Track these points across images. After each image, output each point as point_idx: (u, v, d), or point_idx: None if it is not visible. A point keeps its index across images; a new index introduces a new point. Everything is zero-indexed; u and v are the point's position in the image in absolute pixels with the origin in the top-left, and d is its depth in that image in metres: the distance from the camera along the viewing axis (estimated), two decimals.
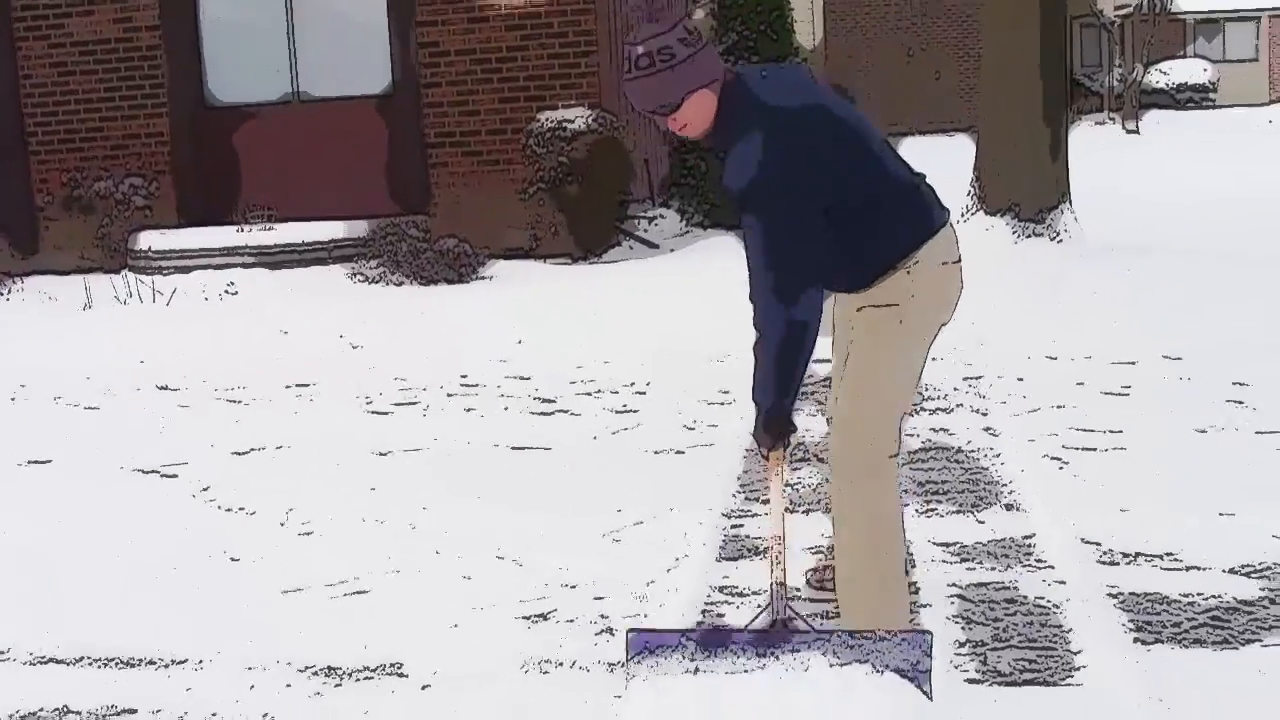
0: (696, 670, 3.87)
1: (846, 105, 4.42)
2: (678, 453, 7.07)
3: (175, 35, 14.91)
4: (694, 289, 10.97)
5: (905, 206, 4.39)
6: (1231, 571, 5.04)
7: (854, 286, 4.41)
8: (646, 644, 3.96)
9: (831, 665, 3.79)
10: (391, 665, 4.61)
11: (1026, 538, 5.53)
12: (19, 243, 15.22)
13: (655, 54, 4.23)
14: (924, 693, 3.75)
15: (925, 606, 4.84)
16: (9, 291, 14.04)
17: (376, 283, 13.08)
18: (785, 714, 3.69)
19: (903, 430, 4.60)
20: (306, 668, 4.63)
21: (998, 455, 6.73)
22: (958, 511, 5.90)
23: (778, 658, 3.83)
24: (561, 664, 4.54)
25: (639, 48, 4.25)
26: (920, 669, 3.77)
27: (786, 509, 4.33)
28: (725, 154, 4.29)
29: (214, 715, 4.33)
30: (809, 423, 7.47)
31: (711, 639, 3.96)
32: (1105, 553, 5.30)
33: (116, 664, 4.78)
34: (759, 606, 4.25)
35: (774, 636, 3.94)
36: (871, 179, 4.32)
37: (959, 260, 4.52)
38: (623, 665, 4.08)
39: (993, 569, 5.19)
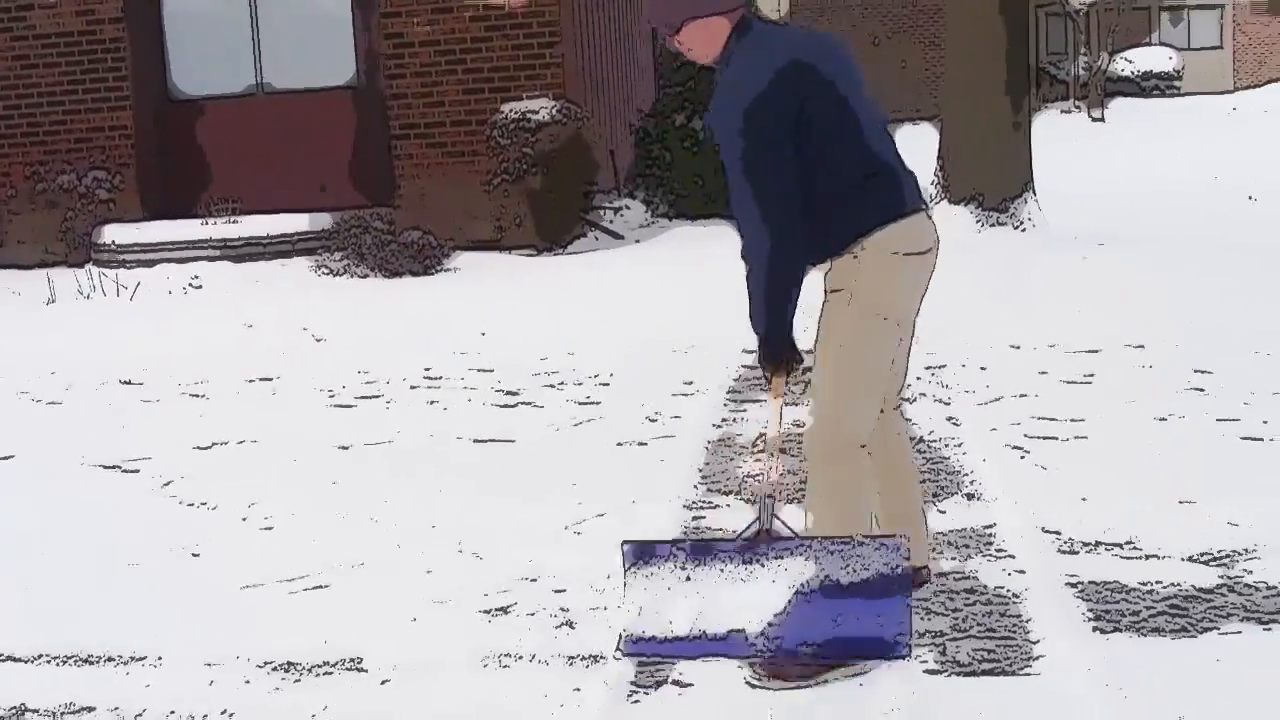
0: (688, 578, 4.25)
1: (854, 79, 4.52)
2: (640, 444, 7.06)
3: (139, 28, 14.86)
4: (659, 280, 10.99)
5: (876, 188, 4.46)
6: (1190, 560, 5.05)
7: (822, 255, 4.48)
8: (641, 555, 4.33)
9: (813, 569, 4.16)
10: (351, 660, 4.59)
11: (987, 527, 5.54)
12: None
13: None
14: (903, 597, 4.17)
15: None
16: None
17: (341, 275, 13.06)
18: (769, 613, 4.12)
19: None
20: (266, 663, 4.62)
21: (959, 445, 6.74)
22: None
23: (763, 564, 4.19)
24: (522, 657, 4.53)
25: None
26: (898, 572, 4.11)
27: (781, 431, 4.56)
28: (727, 97, 4.38)
29: (173, 712, 4.30)
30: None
31: (701, 548, 4.39)
32: (1065, 542, 5.31)
33: (75, 661, 4.75)
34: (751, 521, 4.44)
35: (760, 544, 4.26)
36: (852, 151, 4.41)
37: (925, 252, 4.56)
38: (622, 575, 4.43)
39: (953, 559, 5.19)
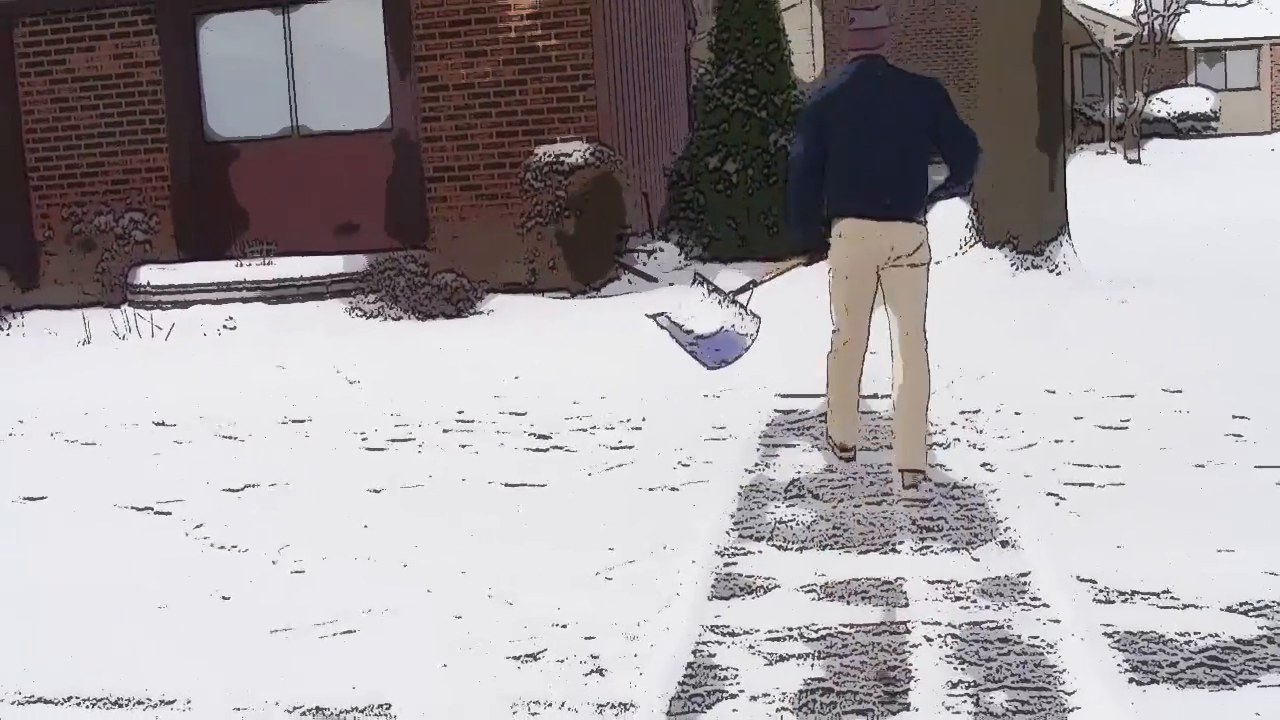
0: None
1: (857, 118, 6.77)
2: (672, 490, 7.03)
3: (175, 71, 14.95)
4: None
5: (842, 193, 6.81)
6: (1229, 610, 5.00)
7: (826, 223, 6.92)
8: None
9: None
10: (380, 706, 4.57)
11: (1022, 575, 5.49)
12: (19, 277, 15.27)
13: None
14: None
15: (917, 646, 4.80)
16: (9, 326, 14.06)
17: (374, 317, 13.07)
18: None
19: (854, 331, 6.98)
20: (295, 708, 4.60)
21: (993, 491, 6.69)
22: (952, 549, 5.86)
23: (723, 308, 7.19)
24: (551, 704, 4.50)
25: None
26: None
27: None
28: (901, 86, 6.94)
29: None
30: (805, 458, 7.45)
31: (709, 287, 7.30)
32: (1101, 590, 5.25)
33: (104, 704, 4.74)
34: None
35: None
36: (839, 162, 6.77)
37: (860, 239, 6.76)
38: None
39: (987, 607, 5.15)
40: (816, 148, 6.77)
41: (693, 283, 7.35)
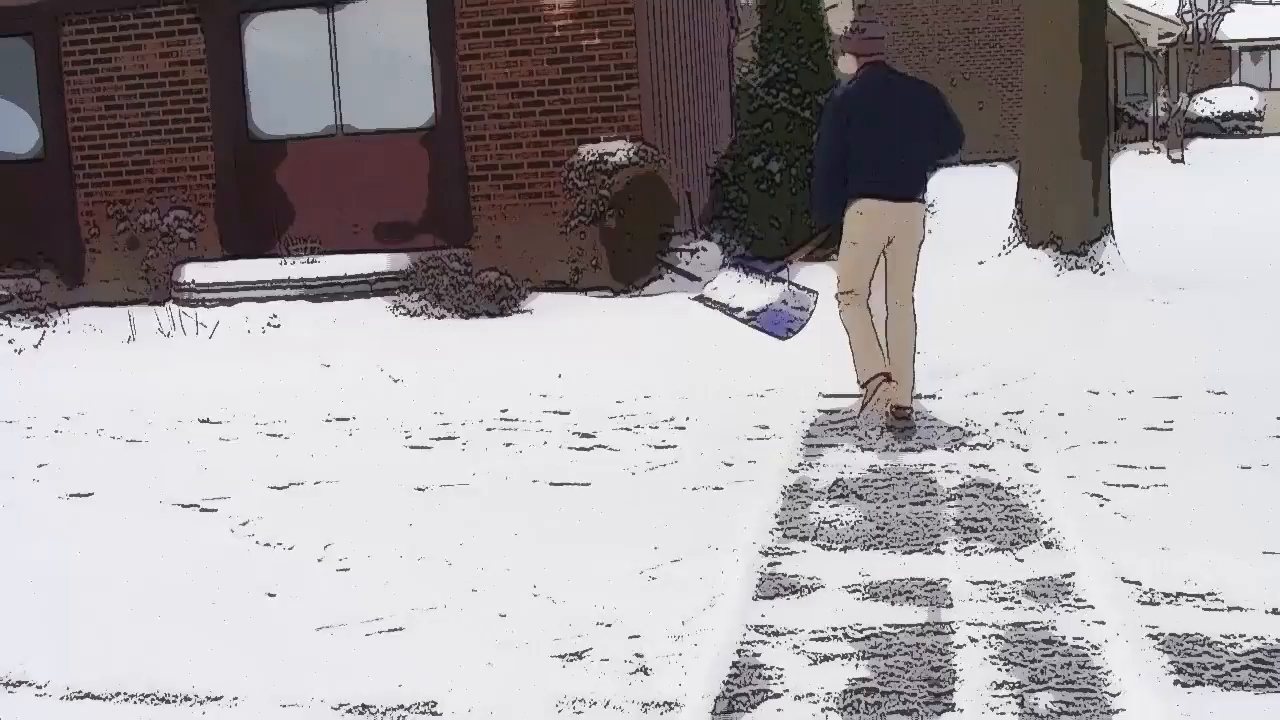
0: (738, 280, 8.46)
1: (876, 116, 8.05)
2: (716, 489, 7.04)
3: (220, 69, 15.03)
4: (735, 323, 10.96)
5: (871, 178, 7.98)
6: (1274, 612, 4.98)
7: (845, 202, 8.06)
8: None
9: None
10: (425, 704, 4.60)
11: (1066, 576, 5.48)
12: (65, 275, 15.38)
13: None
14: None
15: (961, 646, 4.80)
16: (55, 324, 14.14)
17: (418, 316, 13.11)
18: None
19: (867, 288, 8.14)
20: (340, 705, 4.63)
21: (1038, 492, 6.68)
22: (996, 549, 5.86)
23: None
24: (596, 703, 4.52)
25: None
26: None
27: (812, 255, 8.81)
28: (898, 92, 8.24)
29: None
30: (849, 458, 7.45)
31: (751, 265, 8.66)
32: (1146, 592, 5.25)
33: (151, 700, 4.79)
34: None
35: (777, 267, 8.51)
36: (870, 152, 7.97)
37: (873, 214, 8.03)
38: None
39: (1031, 608, 5.15)
40: (840, 143, 8.02)
41: (722, 266, 8.53)
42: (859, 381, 8.15)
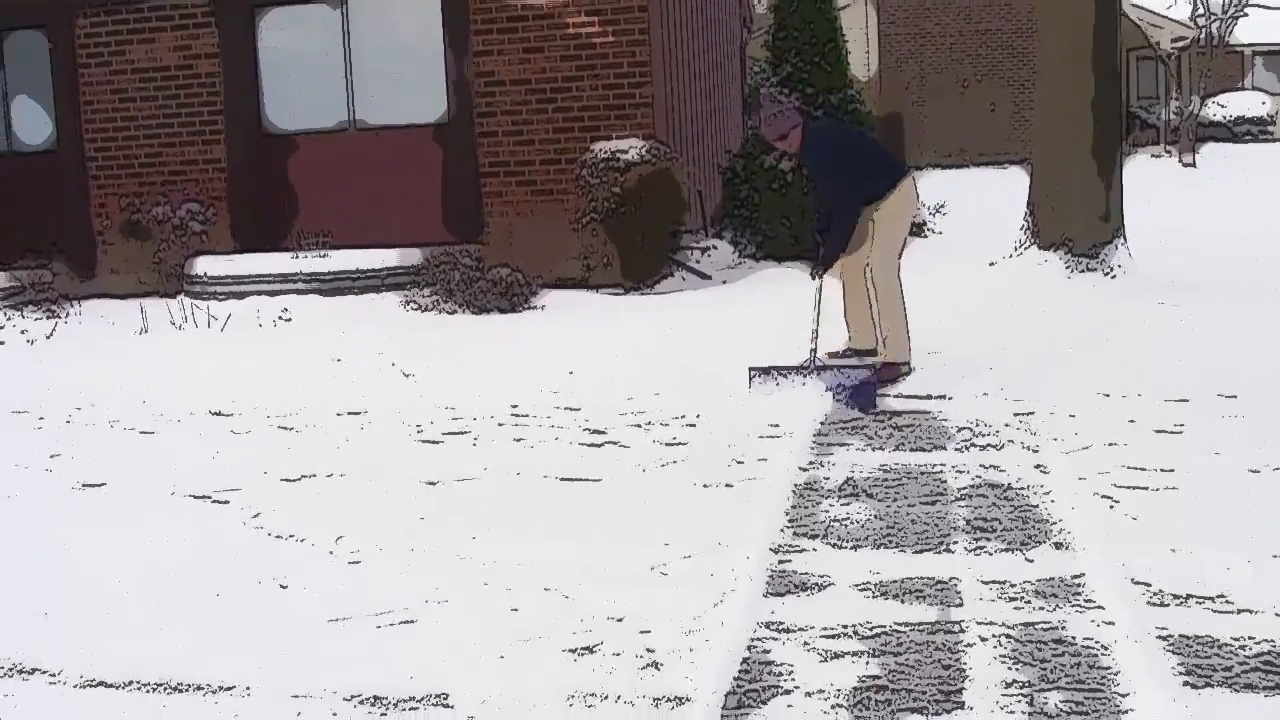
0: (778, 384, 8.79)
1: (861, 145, 9.66)
2: (727, 486, 7.05)
3: (233, 63, 15.08)
4: (746, 321, 10.98)
5: (883, 180, 9.23)
6: None
7: (870, 200, 9.15)
8: (756, 372, 8.85)
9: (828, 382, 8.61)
10: (437, 696, 4.62)
11: (1076, 577, 5.50)
12: (77, 266, 15.43)
13: (778, 113, 9.10)
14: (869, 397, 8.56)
15: (971, 645, 4.81)
16: (67, 315, 14.19)
17: (429, 311, 13.14)
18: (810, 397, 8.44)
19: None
20: (353, 697, 4.65)
21: (1048, 493, 6.69)
22: (1006, 549, 5.87)
23: (811, 377, 8.71)
24: (608, 698, 4.54)
25: (772, 110, 9.14)
26: (871, 381, 8.62)
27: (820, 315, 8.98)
28: (806, 155, 9.31)
29: None
30: (860, 457, 7.46)
31: (784, 369, 8.81)
32: (1155, 594, 5.26)
33: (164, 689, 4.81)
34: (808, 358, 8.81)
35: (810, 370, 8.79)
36: (876, 169, 9.29)
37: (902, 198, 9.33)
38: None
39: (1041, 608, 5.16)
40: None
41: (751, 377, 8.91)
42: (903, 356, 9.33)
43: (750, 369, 8.87)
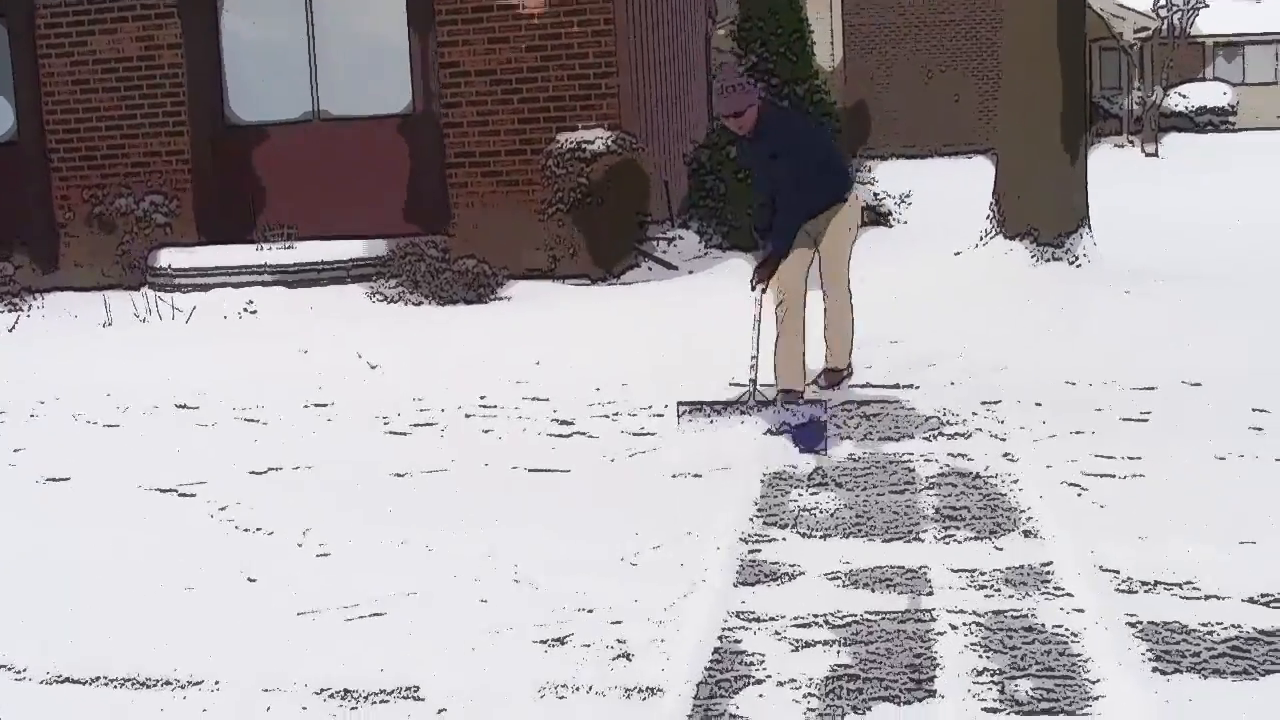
0: (711, 421, 7.49)
1: (826, 141, 9.09)
2: (696, 477, 7.05)
3: (197, 54, 14.99)
4: (713, 311, 10.98)
5: (839, 185, 8.50)
6: (1251, 601, 5.02)
7: (819, 210, 8.34)
8: (686, 409, 7.54)
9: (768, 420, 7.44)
10: (408, 688, 4.60)
11: (1045, 565, 5.51)
12: (40, 259, 15.30)
13: (735, 85, 8.06)
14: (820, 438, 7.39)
15: (941, 634, 4.82)
16: (29, 308, 14.10)
17: (395, 302, 13.11)
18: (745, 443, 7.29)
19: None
20: (323, 690, 4.63)
21: (1016, 481, 6.71)
22: (975, 538, 5.89)
23: (750, 414, 7.51)
24: (578, 689, 4.53)
25: (729, 81, 8.16)
26: (821, 419, 7.40)
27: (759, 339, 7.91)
28: (765, 140, 8.09)
29: None
30: (840, 448, 7.46)
31: (718, 406, 7.60)
32: (1124, 581, 5.28)
33: (132, 684, 4.78)
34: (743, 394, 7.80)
35: (749, 405, 7.61)
36: (834, 171, 8.52)
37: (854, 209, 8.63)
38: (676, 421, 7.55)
39: (1010, 596, 5.17)
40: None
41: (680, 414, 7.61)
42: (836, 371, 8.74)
43: (679, 404, 7.62)
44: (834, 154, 8.81)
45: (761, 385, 7.89)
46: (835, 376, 8.77)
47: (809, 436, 7.33)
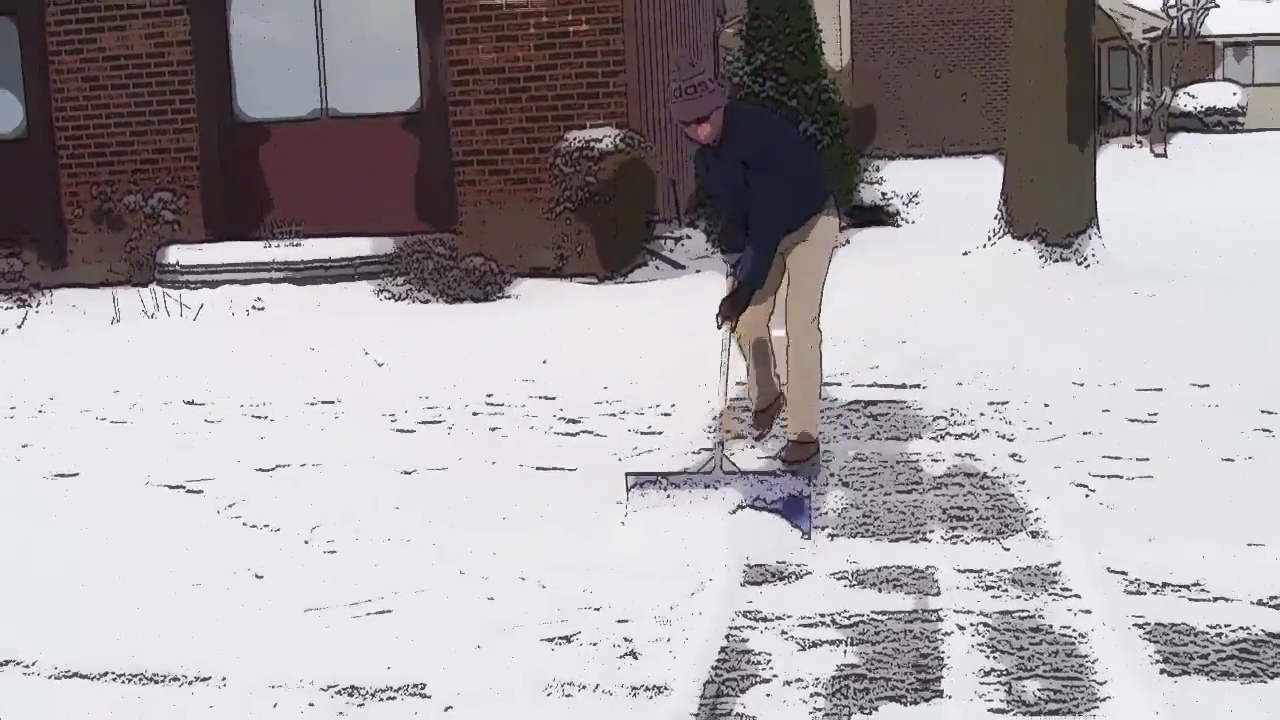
0: (669, 496, 6.06)
1: (804, 145, 7.74)
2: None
3: (205, 51, 15.00)
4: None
5: (817, 197, 6.99)
6: (1260, 603, 5.00)
7: (794, 224, 6.88)
8: (638, 481, 6.13)
9: (743, 496, 6.01)
10: (414, 686, 4.60)
11: (1052, 566, 5.50)
12: (48, 255, 15.33)
13: (698, 85, 6.54)
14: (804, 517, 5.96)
15: (948, 634, 4.81)
16: (38, 304, 14.12)
17: (402, 300, 13.11)
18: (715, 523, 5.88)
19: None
20: (329, 687, 4.63)
21: (1023, 482, 6.70)
22: (983, 538, 5.88)
23: (716, 488, 6.05)
24: (584, 687, 4.53)
25: (689, 80, 6.56)
26: (804, 495, 5.99)
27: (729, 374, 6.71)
28: (734, 146, 6.71)
29: None
30: (832, 446, 7.45)
31: (677, 478, 6.18)
32: (1132, 582, 5.27)
33: (140, 680, 4.78)
34: (709, 459, 6.39)
35: (714, 477, 6.14)
36: (813, 180, 7.02)
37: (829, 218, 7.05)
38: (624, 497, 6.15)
39: (1018, 597, 5.16)
40: None
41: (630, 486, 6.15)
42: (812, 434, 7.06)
43: (628, 475, 6.18)
44: (810, 157, 7.35)
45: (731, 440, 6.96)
46: (801, 451, 6.98)
47: (794, 515, 5.97)
